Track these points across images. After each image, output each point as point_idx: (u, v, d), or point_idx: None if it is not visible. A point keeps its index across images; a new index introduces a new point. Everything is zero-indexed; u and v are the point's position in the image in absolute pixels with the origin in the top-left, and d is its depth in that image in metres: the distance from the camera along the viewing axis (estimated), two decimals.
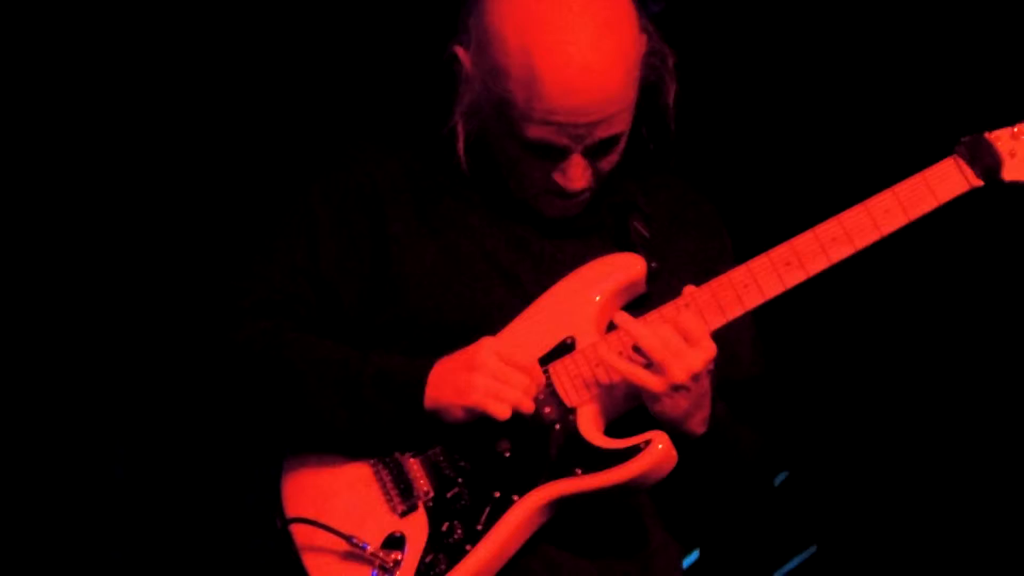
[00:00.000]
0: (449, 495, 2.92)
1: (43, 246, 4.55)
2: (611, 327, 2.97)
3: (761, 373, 3.11)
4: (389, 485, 2.95)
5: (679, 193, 3.19)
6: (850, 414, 4.63)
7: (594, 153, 2.95)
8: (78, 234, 4.57)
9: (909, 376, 4.55)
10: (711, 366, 2.88)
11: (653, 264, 3.00)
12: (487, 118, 2.99)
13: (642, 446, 2.85)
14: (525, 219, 3.05)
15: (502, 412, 2.86)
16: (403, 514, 2.93)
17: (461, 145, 3.03)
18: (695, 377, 2.86)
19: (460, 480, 2.92)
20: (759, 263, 2.93)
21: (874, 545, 4.62)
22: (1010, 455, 4.39)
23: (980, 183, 2.91)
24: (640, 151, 3.10)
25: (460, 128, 3.02)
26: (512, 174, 3.02)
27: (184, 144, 4.57)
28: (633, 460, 2.85)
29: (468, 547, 2.88)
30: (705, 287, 2.93)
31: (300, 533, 2.96)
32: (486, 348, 2.88)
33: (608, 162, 2.98)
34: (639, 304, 3.00)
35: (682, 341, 2.85)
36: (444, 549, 2.89)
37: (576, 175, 2.95)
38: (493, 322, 2.98)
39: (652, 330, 2.86)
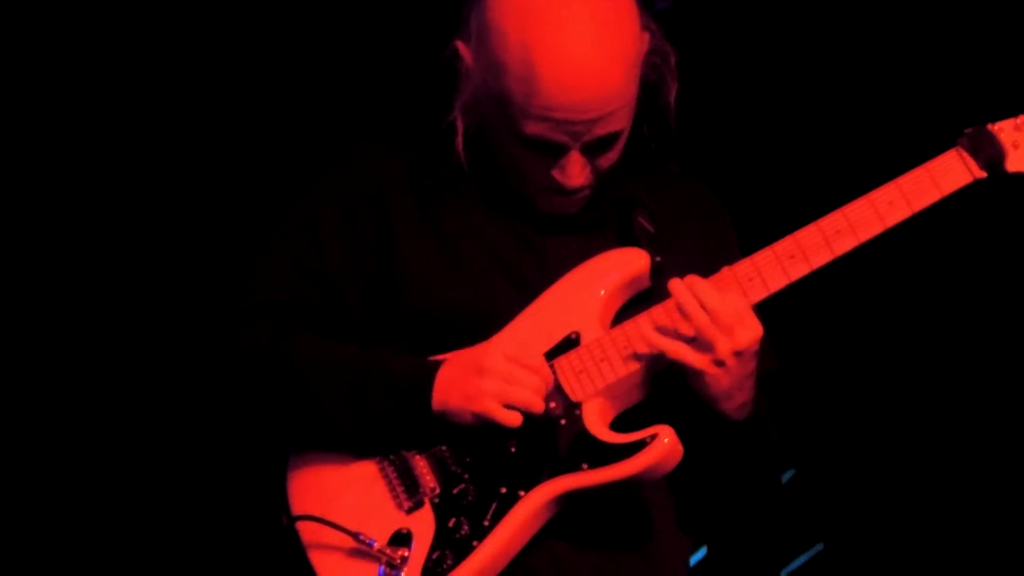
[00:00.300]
0: (455, 491, 2.92)
1: (56, 249, 4.57)
2: (616, 322, 2.98)
3: (775, 368, 3.10)
4: (395, 482, 2.95)
5: (683, 188, 3.19)
6: (856, 412, 4.63)
7: (593, 150, 2.94)
8: (90, 237, 4.59)
9: (915, 374, 4.55)
10: (756, 347, 2.86)
11: (657, 259, 3.00)
12: (486, 114, 2.99)
13: (648, 440, 2.85)
14: (527, 215, 3.05)
15: (512, 420, 2.86)
16: (409, 511, 2.93)
17: (460, 140, 3.03)
18: (739, 354, 2.84)
19: (466, 476, 2.92)
20: (763, 256, 2.93)
21: (880, 543, 4.61)
22: (1017, 454, 4.39)
23: (983, 174, 2.91)
24: (644, 146, 3.10)
25: (459, 123, 3.03)
26: (511, 170, 3.02)
27: (188, 145, 4.58)
28: (639, 454, 2.85)
29: (475, 543, 2.88)
30: (709, 280, 2.91)
31: (306, 530, 2.96)
32: (494, 351, 2.88)
33: (607, 160, 2.98)
34: (643, 299, 3.00)
35: (731, 318, 2.83)
36: (451, 545, 2.89)
37: (574, 172, 2.95)
38: (497, 318, 2.98)
39: (702, 303, 2.83)
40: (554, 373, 2.93)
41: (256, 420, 3.07)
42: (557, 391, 2.93)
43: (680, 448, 2.86)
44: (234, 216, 4.48)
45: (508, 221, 3.06)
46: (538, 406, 2.87)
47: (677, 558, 3.09)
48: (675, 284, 2.88)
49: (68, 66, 4.48)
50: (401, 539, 2.92)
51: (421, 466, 2.95)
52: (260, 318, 3.02)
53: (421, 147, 3.12)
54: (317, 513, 2.94)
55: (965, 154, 2.91)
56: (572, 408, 2.92)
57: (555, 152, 2.94)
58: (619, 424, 2.94)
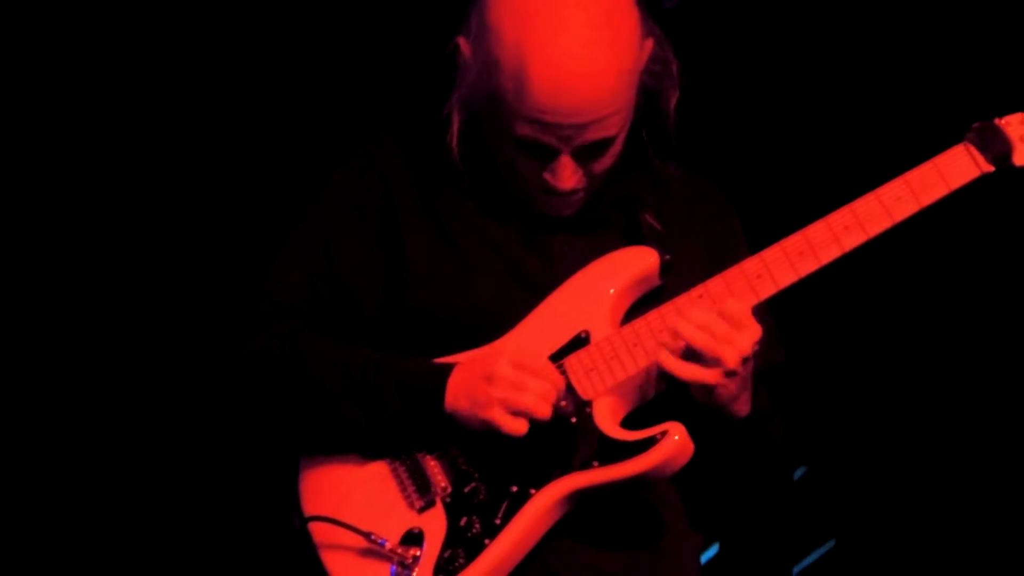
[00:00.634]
0: (467, 490, 2.92)
1: (72, 253, 4.59)
2: (626, 320, 2.98)
3: (782, 361, 3.11)
4: (407, 481, 2.96)
5: (691, 185, 3.18)
6: (868, 409, 4.63)
7: (584, 155, 2.93)
8: (107, 242, 4.61)
9: (927, 370, 4.54)
10: (758, 347, 2.86)
11: (667, 257, 2.99)
12: (482, 111, 2.98)
13: (658, 437, 2.85)
14: (530, 214, 3.04)
15: (517, 428, 2.86)
16: (421, 510, 2.94)
17: (455, 137, 3.03)
18: (746, 360, 2.85)
19: (477, 475, 2.92)
20: (772, 253, 2.92)
21: (893, 540, 4.61)
22: None
23: (991, 169, 2.90)
24: (646, 146, 3.09)
25: (455, 118, 3.03)
26: (507, 170, 3.01)
27: (195, 147, 4.59)
28: (650, 451, 2.85)
29: (486, 541, 2.88)
30: (718, 278, 2.92)
31: (319, 532, 2.96)
32: (502, 359, 2.88)
33: (600, 165, 2.96)
34: (654, 297, 3.00)
35: (730, 328, 2.83)
36: (462, 544, 2.89)
37: (565, 176, 2.94)
38: (505, 318, 2.99)
39: (698, 325, 2.83)
40: (564, 372, 2.94)
41: (269, 423, 3.07)
42: (567, 390, 2.92)
43: (691, 444, 2.86)
44: (254, 220, 4.49)
45: (512, 220, 3.06)
46: (544, 412, 2.86)
47: (689, 555, 3.10)
48: (670, 318, 2.88)
49: (84, 75, 4.51)
50: (413, 538, 2.92)
51: (432, 466, 2.95)
52: (274, 323, 3.03)
53: (425, 146, 3.11)
54: (329, 514, 2.95)
55: (973, 149, 2.90)
56: (583, 406, 2.92)
57: (546, 155, 2.92)
58: (631, 422, 2.94)
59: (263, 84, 4.55)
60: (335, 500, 2.97)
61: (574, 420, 2.91)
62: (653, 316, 2.94)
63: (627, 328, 2.95)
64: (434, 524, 2.92)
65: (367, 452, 2.99)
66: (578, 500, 2.90)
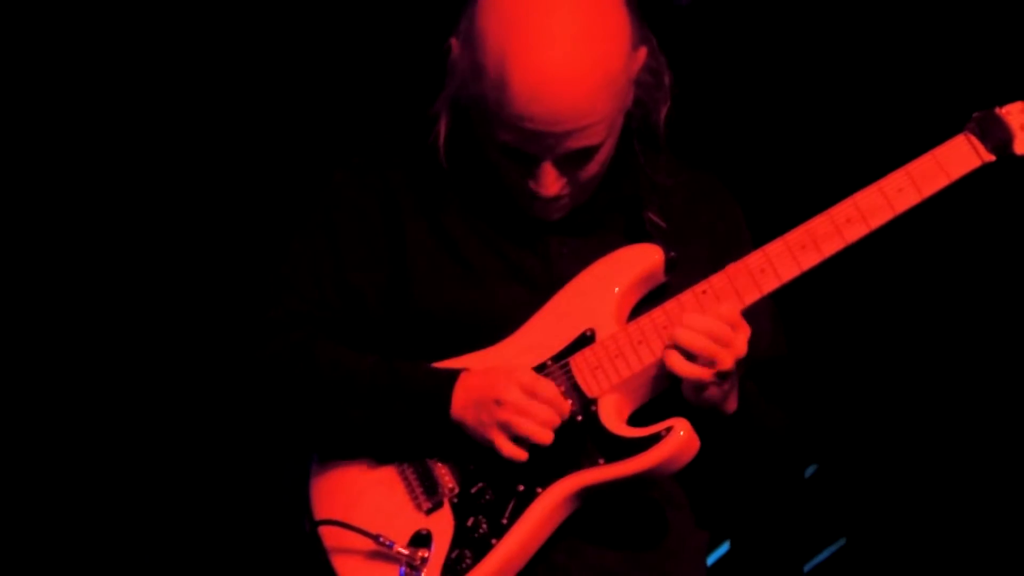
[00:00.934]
0: (474, 491, 2.93)
1: (78, 256, 4.60)
2: (632, 318, 2.98)
3: (784, 354, 3.11)
4: (414, 484, 2.96)
5: (695, 182, 3.17)
6: (879, 407, 4.63)
7: (567, 163, 2.92)
8: (108, 243, 4.62)
9: (938, 369, 4.54)
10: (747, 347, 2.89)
11: (672, 253, 2.99)
12: (471, 114, 2.98)
13: (663, 433, 2.85)
14: (527, 215, 3.04)
15: (517, 456, 2.87)
16: (429, 511, 2.94)
17: (441, 134, 3.04)
18: (741, 362, 2.87)
19: (484, 475, 2.93)
20: (775, 247, 2.92)
21: (903, 538, 4.61)
22: None
23: (992, 158, 2.89)
24: (647, 145, 3.09)
25: (443, 118, 3.03)
26: (493, 173, 3.01)
27: (195, 146, 4.60)
28: (655, 448, 2.85)
29: (494, 541, 2.89)
30: (722, 273, 2.92)
31: (329, 535, 2.97)
32: (513, 385, 2.88)
33: (586, 172, 2.96)
34: (659, 294, 3.00)
35: (730, 331, 2.85)
36: (470, 544, 2.90)
37: (547, 183, 2.93)
38: (507, 319, 2.99)
39: (699, 331, 2.85)
40: (570, 369, 2.94)
41: (280, 429, 3.08)
42: (573, 388, 2.93)
43: (696, 440, 2.86)
44: (262, 226, 4.49)
45: (509, 220, 3.05)
46: (546, 439, 2.86)
47: (694, 554, 3.10)
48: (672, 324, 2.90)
49: (84, 75, 4.52)
50: (421, 540, 2.92)
51: (439, 468, 2.96)
52: (283, 329, 3.03)
53: (423, 149, 3.11)
54: (338, 517, 2.95)
55: (973, 138, 2.90)
56: (588, 404, 2.92)
57: (528, 161, 2.92)
58: (636, 419, 2.94)
59: (263, 84, 4.56)
60: (345, 504, 2.98)
61: (580, 418, 2.91)
62: (658, 313, 2.94)
63: (632, 325, 2.95)
64: (442, 525, 2.93)
65: (375, 456, 3.00)
66: (585, 498, 2.90)
